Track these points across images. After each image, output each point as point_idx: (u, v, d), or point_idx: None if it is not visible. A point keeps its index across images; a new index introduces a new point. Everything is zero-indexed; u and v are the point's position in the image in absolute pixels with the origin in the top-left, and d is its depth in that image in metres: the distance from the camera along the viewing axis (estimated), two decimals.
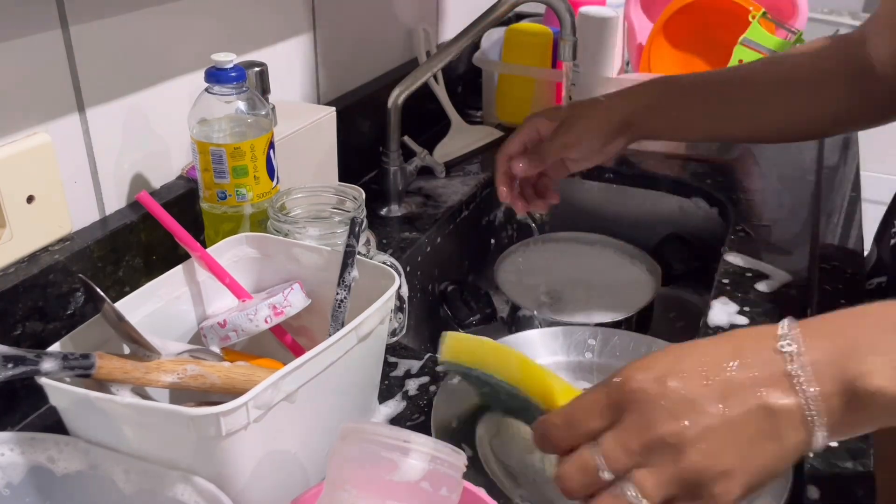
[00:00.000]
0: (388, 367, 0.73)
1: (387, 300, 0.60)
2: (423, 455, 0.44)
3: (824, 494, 0.59)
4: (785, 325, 0.44)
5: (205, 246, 0.65)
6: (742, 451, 0.41)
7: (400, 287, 0.74)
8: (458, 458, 0.45)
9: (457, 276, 1.07)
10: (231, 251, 0.68)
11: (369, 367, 0.64)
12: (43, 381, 0.50)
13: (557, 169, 0.87)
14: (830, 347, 0.42)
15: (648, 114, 0.84)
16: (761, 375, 0.42)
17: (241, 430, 0.49)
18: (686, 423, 0.41)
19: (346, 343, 0.56)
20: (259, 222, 0.75)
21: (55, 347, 0.54)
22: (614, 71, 1.20)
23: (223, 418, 0.48)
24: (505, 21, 1.15)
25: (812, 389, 0.41)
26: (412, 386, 0.72)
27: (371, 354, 0.63)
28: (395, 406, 0.69)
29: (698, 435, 0.41)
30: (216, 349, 0.62)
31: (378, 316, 0.60)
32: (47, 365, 0.49)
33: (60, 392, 0.51)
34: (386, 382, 0.72)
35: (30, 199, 0.68)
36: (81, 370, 0.51)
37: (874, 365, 0.40)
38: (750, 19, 1.11)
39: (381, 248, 0.95)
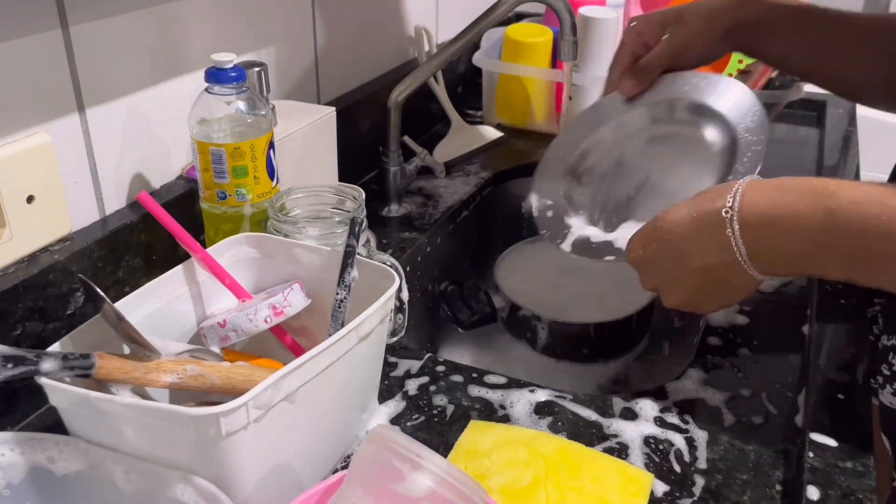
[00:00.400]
0: (388, 367, 0.73)
1: (387, 300, 0.60)
2: (432, 475, 0.44)
3: (824, 494, 0.59)
4: (730, 199, 0.57)
5: (205, 246, 0.65)
6: (692, 282, 0.62)
7: (400, 287, 0.74)
8: (471, 490, 0.45)
9: (457, 276, 1.07)
10: (231, 251, 0.68)
11: (369, 367, 0.64)
12: (43, 381, 0.50)
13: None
14: (759, 217, 0.56)
15: (755, 27, 0.81)
16: (711, 236, 0.58)
17: (240, 430, 0.49)
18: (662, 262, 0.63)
19: (346, 343, 0.56)
20: (259, 222, 0.75)
21: (55, 347, 0.54)
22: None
23: (223, 418, 0.48)
24: (505, 21, 1.15)
25: (742, 246, 0.57)
26: (412, 386, 0.72)
27: (371, 354, 0.63)
28: (395, 406, 0.69)
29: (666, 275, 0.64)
30: (216, 349, 0.62)
31: (378, 316, 0.60)
32: (47, 365, 0.49)
33: (60, 392, 0.51)
34: (386, 382, 0.72)
35: (30, 199, 0.68)
36: (81, 370, 0.51)
37: (788, 230, 0.55)
38: None
39: (381, 248, 0.95)
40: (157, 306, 0.62)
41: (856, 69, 0.81)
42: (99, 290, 0.54)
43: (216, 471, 0.50)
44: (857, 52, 0.80)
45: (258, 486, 0.53)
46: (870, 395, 0.69)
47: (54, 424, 0.55)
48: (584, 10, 1.19)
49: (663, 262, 0.63)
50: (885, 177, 0.84)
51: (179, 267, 0.64)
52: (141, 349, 0.55)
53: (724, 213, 0.57)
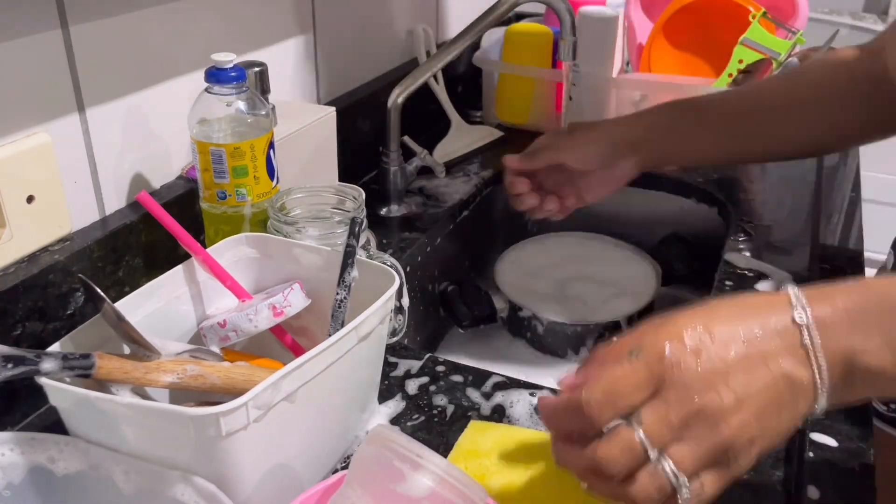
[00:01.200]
0: (388, 367, 0.73)
1: (387, 300, 0.60)
2: (432, 475, 0.44)
3: (824, 494, 0.59)
4: (791, 294, 0.45)
5: (205, 246, 0.65)
6: (766, 418, 0.43)
7: (400, 287, 0.74)
8: (472, 491, 0.45)
9: (457, 276, 1.07)
10: (231, 251, 0.68)
11: (369, 367, 0.64)
12: (43, 381, 0.50)
13: (571, 196, 0.87)
14: (836, 322, 0.44)
15: (657, 134, 0.83)
16: (783, 346, 0.43)
17: (240, 430, 0.49)
18: (722, 394, 0.42)
19: (346, 343, 0.56)
20: (259, 222, 0.75)
21: (55, 347, 0.54)
22: (615, 71, 1.20)
23: (223, 418, 0.48)
24: (505, 21, 1.15)
25: (822, 362, 0.43)
26: (412, 386, 0.72)
27: (371, 354, 0.63)
28: (395, 406, 0.69)
29: (734, 406, 0.42)
30: (216, 349, 0.62)
31: (378, 316, 0.60)
32: (47, 365, 0.49)
33: (60, 392, 0.51)
34: (386, 382, 0.72)
35: (30, 199, 0.68)
36: (81, 370, 0.51)
37: (871, 345, 0.43)
38: (750, 19, 1.11)
39: (381, 248, 0.95)
40: (157, 306, 0.62)
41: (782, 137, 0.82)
42: (99, 290, 0.54)
43: (216, 471, 0.50)
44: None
45: (258, 486, 0.53)
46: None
47: (54, 424, 0.55)
48: (584, 10, 1.19)
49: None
50: (885, 176, 0.84)
51: (179, 267, 0.64)
52: (141, 349, 0.55)
53: (795, 318, 0.44)
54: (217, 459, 0.50)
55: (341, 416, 0.62)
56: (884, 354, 0.43)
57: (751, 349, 0.43)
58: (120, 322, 0.54)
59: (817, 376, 0.43)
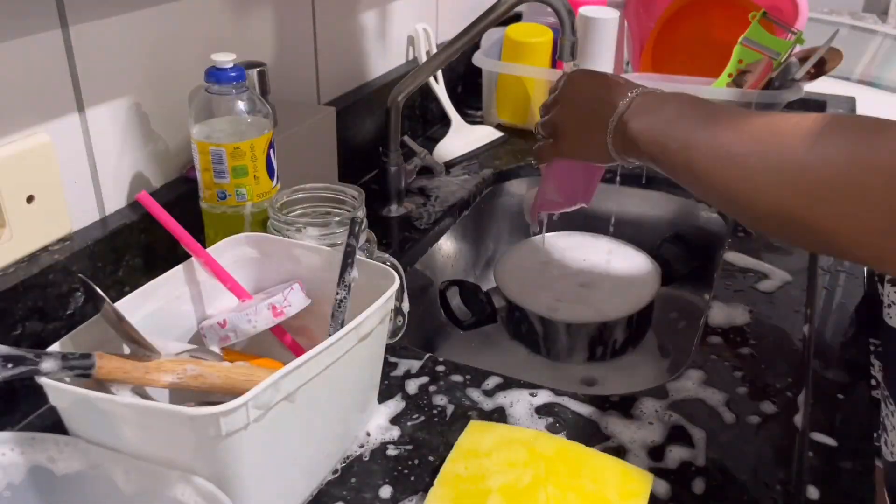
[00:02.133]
0: (388, 367, 0.73)
1: (387, 300, 0.60)
2: None
3: (824, 494, 0.59)
4: (637, 91, 0.71)
5: (205, 246, 0.65)
6: (575, 127, 0.78)
7: (401, 287, 0.74)
8: None
9: (457, 276, 1.07)
10: (231, 251, 0.68)
11: (369, 367, 0.64)
12: (43, 380, 0.50)
13: None
14: (638, 108, 0.70)
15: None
16: (607, 99, 0.73)
17: (241, 430, 0.49)
18: (562, 99, 0.80)
19: (345, 343, 0.56)
20: (259, 222, 0.75)
21: (55, 347, 0.54)
22: (613, 71, 1.20)
23: (223, 418, 0.47)
24: (505, 21, 1.15)
25: (615, 118, 0.71)
26: (412, 386, 0.72)
27: (371, 354, 0.63)
28: (395, 406, 0.69)
29: (560, 105, 0.80)
30: (216, 349, 0.62)
31: (378, 316, 0.60)
32: (47, 365, 0.49)
33: (60, 392, 0.50)
34: (386, 382, 0.72)
35: (30, 199, 0.68)
36: (81, 370, 0.51)
37: (638, 121, 0.69)
38: (750, 19, 1.11)
39: (382, 248, 0.95)
40: (158, 306, 0.62)
41: None
42: (99, 289, 0.54)
43: (216, 471, 0.50)
44: None
45: (258, 487, 0.53)
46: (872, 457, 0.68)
47: (54, 424, 0.55)
48: (584, 10, 1.19)
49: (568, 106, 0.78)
50: None
51: (179, 267, 0.64)
52: (141, 349, 0.55)
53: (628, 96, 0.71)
54: (217, 459, 0.50)
55: (341, 417, 0.62)
56: (640, 128, 0.68)
57: (594, 93, 0.75)
58: (120, 322, 0.54)
59: (610, 122, 0.71)
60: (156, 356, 0.55)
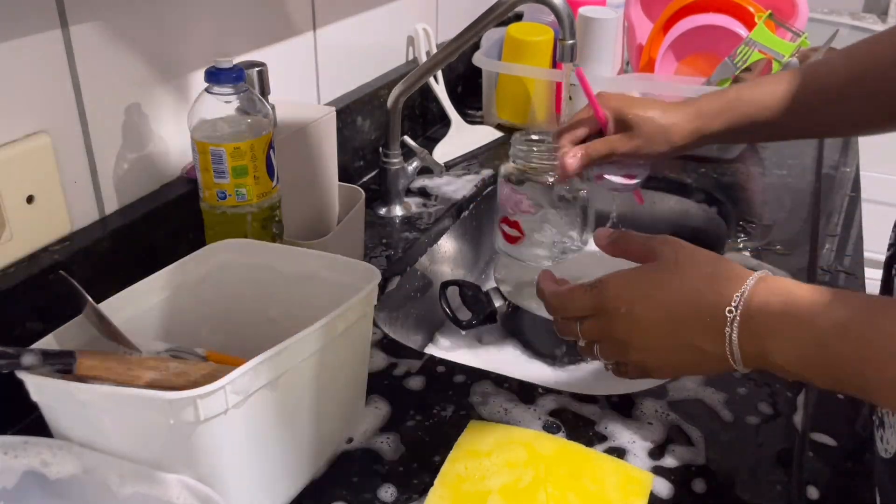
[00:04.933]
0: (388, 366, 0.74)
1: (368, 293, 0.60)
2: None
3: (824, 494, 0.59)
4: (738, 298, 0.55)
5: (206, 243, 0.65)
6: (666, 360, 0.60)
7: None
8: None
9: (456, 276, 1.07)
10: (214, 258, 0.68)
11: (354, 363, 0.64)
12: (23, 375, 0.50)
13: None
14: (758, 329, 0.55)
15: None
16: (705, 328, 0.56)
17: (220, 415, 0.49)
18: (635, 336, 0.60)
19: (327, 331, 0.56)
20: (260, 222, 0.75)
21: (38, 345, 0.54)
22: (613, 71, 1.20)
23: (200, 401, 0.47)
24: (505, 21, 1.15)
25: (736, 350, 0.55)
26: (412, 386, 0.72)
27: (354, 350, 0.63)
28: (395, 406, 0.69)
29: (640, 346, 0.60)
30: (200, 350, 0.62)
31: (359, 309, 0.60)
32: (27, 359, 0.49)
33: (39, 385, 0.51)
34: (386, 382, 0.72)
35: (29, 199, 0.68)
36: (62, 365, 0.51)
37: (780, 349, 0.54)
38: (756, 21, 1.11)
39: (381, 247, 0.95)
40: (149, 305, 0.62)
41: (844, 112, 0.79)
42: (80, 288, 0.54)
43: (195, 458, 0.50)
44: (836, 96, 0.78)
45: (239, 479, 0.53)
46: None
47: (47, 429, 0.54)
48: (583, 11, 1.19)
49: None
50: (885, 176, 0.84)
51: (169, 267, 0.64)
52: (122, 348, 0.55)
53: (727, 313, 0.55)
54: (195, 446, 0.50)
55: (326, 414, 0.61)
56: (788, 356, 0.53)
57: (679, 324, 0.58)
58: (101, 321, 0.54)
59: (730, 354, 0.56)
60: (137, 354, 0.55)
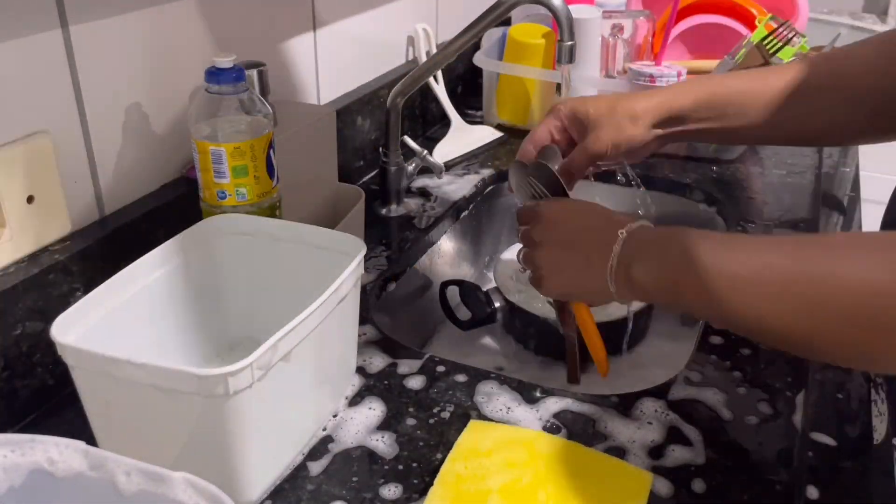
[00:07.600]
0: (388, 366, 0.74)
1: (358, 264, 0.64)
2: None
3: (824, 494, 0.59)
4: (625, 230, 0.64)
5: None
6: (560, 260, 0.70)
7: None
8: None
9: (456, 275, 1.07)
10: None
11: (348, 326, 0.69)
12: (63, 341, 0.53)
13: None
14: (631, 251, 0.64)
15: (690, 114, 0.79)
16: (600, 241, 0.66)
17: (246, 388, 0.52)
18: (546, 232, 0.71)
19: (329, 304, 0.60)
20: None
21: None
22: (596, 71, 1.20)
23: (230, 378, 0.51)
24: (505, 21, 1.15)
25: (614, 261, 0.64)
26: (412, 386, 0.72)
27: (346, 317, 0.67)
28: (395, 405, 0.69)
29: (546, 240, 0.70)
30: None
31: (351, 280, 0.64)
32: None
33: (79, 355, 0.54)
34: (386, 382, 0.72)
35: (29, 199, 0.68)
36: None
37: (641, 268, 0.62)
38: (757, 23, 1.11)
39: (381, 247, 0.95)
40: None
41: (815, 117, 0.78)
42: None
43: (223, 429, 0.54)
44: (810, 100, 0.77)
45: (258, 447, 0.57)
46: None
47: (54, 426, 0.55)
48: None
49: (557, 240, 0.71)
50: (885, 176, 0.84)
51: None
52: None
53: (619, 234, 0.64)
54: (225, 419, 0.53)
55: (327, 377, 0.66)
56: (644, 275, 0.62)
57: (580, 235, 0.69)
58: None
59: (609, 269, 0.64)
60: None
